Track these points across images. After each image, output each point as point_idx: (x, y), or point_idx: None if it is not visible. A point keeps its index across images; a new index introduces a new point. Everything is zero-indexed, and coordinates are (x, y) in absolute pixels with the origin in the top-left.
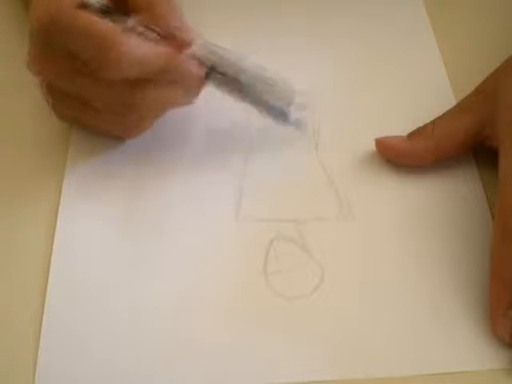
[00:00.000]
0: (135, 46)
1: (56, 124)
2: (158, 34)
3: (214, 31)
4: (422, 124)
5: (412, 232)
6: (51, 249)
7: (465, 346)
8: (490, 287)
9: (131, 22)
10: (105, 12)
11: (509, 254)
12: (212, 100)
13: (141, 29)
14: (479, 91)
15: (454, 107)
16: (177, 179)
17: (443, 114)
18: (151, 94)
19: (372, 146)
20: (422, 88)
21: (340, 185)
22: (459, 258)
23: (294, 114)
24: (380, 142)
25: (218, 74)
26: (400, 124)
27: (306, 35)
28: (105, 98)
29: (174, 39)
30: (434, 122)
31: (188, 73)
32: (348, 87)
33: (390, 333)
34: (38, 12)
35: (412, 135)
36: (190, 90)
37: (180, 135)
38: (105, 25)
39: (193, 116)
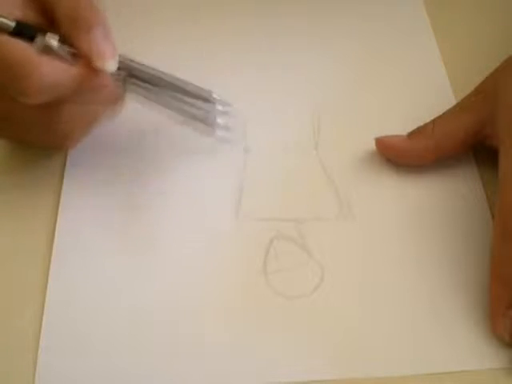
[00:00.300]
0: (48, 71)
1: None
2: (76, 50)
3: (213, 32)
4: (422, 124)
5: (412, 232)
6: (51, 249)
7: (465, 345)
8: (489, 287)
9: (44, 39)
10: (20, 33)
11: (509, 254)
12: None
13: (55, 47)
14: (479, 91)
15: (454, 106)
16: (177, 179)
17: (443, 114)
18: (68, 113)
19: (372, 146)
20: (422, 88)
21: (340, 185)
22: (459, 257)
23: (218, 125)
24: (380, 141)
25: (135, 81)
26: (400, 124)
27: (306, 35)
28: (24, 119)
29: (90, 57)
30: (434, 122)
31: (103, 87)
32: (348, 87)
33: (390, 332)
34: None
35: (412, 134)
36: (110, 101)
37: (180, 135)
38: (16, 49)
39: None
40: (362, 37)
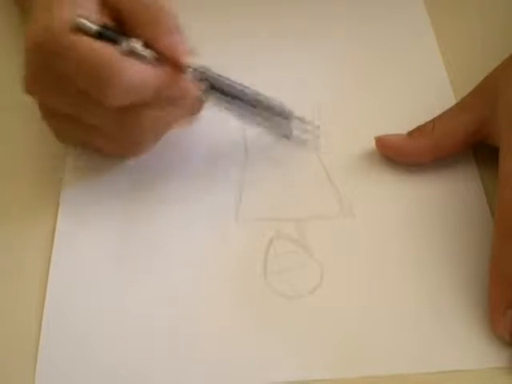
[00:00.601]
0: (134, 72)
1: (51, 144)
2: (157, 53)
3: (213, 32)
4: (422, 123)
5: (412, 231)
6: (51, 249)
7: (465, 344)
8: (489, 286)
9: (129, 43)
10: (103, 36)
11: (509, 253)
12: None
13: (139, 50)
14: (479, 90)
15: (454, 106)
16: (176, 179)
17: (443, 113)
18: (149, 116)
19: (372, 145)
20: (422, 88)
21: (340, 183)
22: (459, 257)
23: (294, 130)
24: (380, 140)
25: (217, 92)
26: (400, 124)
27: (307, 36)
28: (102, 121)
29: (173, 58)
30: (434, 121)
31: (186, 93)
32: (349, 87)
33: (390, 332)
34: (32, 32)
35: (412, 133)
36: (189, 110)
37: (179, 136)
38: (102, 50)
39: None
40: (363, 37)
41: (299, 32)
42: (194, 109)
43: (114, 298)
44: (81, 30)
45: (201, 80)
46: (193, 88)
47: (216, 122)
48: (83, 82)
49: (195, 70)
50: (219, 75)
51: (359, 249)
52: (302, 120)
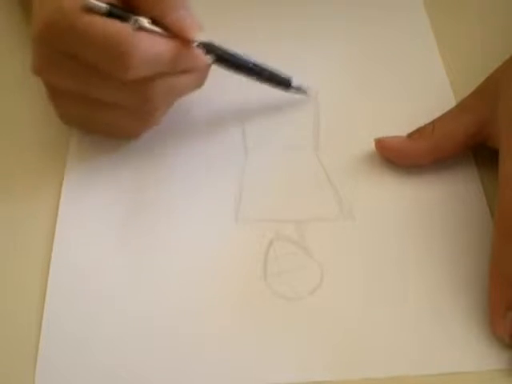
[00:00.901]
0: (148, 46)
1: (55, 127)
2: (165, 29)
3: (213, 33)
4: (421, 125)
5: (412, 232)
6: (51, 249)
7: (465, 346)
8: (489, 287)
9: (139, 20)
10: (111, 14)
11: (509, 254)
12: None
13: (148, 26)
14: (479, 91)
15: (454, 107)
16: (176, 180)
17: (443, 115)
18: (164, 85)
19: (372, 146)
20: (422, 89)
21: (340, 185)
22: (459, 258)
23: (295, 81)
24: (380, 142)
25: (223, 64)
26: (400, 125)
27: (307, 38)
28: (117, 96)
29: (180, 33)
30: (433, 123)
31: (198, 61)
32: (349, 88)
33: (390, 333)
34: (42, 13)
35: (412, 135)
36: (199, 78)
37: (179, 136)
38: (114, 27)
39: (191, 118)
40: (363, 39)
41: (299, 34)
42: (204, 77)
43: (115, 298)
44: (90, 9)
45: (208, 53)
46: (203, 58)
47: (216, 122)
48: (98, 59)
49: (202, 43)
50: (224, 48)
51: (359, 250)
52: (301, 90)
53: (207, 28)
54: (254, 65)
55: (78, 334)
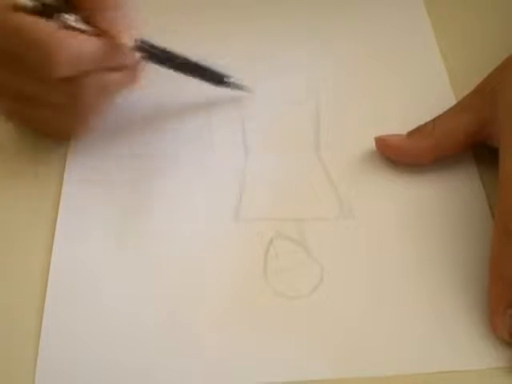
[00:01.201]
0: (72, 44)
1: None
2: (95, 28)
3: (214, 32)
4: (422, 123)
5: (412, 232)
6: (51, 249)
7: (465, 344)
8: (489, 286)
9: (65, 17)
10: (40, 12)
11: (509, 254)
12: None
13: (73, 23)
14: (479, 90)
15: (454, 106)
16: (176, 180)
17: (443, 113)
18: (92, 83)
19: (372, 146)
20: (422, 88)
21: (340, 184)
22: (459, 257)
23: (229, 78)
24: (380, 140)
25: (155, 62)
26: (400, 124)
27: (306, 36)
28: (45, 93)
29: (108, 32)
30: (433, 121)
31: (125, 58)
32: (348, 87)
33: (390, 332)
34: None
35: (412, 134)
36: (130, 77)
37: (179, 135)
38: (39, 25)
39: (192, 118)
40: (362, 38)
41: (298, 32)
42: (136, 74)
43: (115, 298)
44: (20, 7)
45: (138, 50)
46: (131, 57)
47: (216, 122)
48: (26, 57)
49: (135, 40)
50: (156, 46)
51: (359, 249)
52: (236, 85)
53: (209, 28)
54: (185, 60)
55: (78, 333)
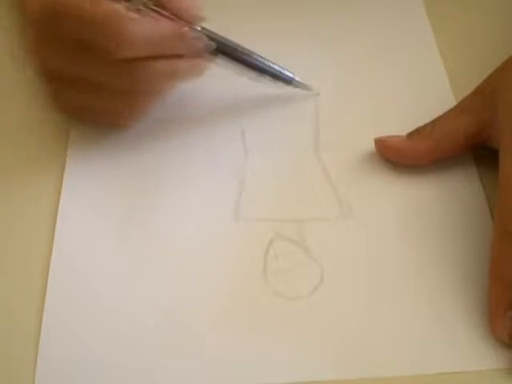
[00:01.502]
0: (143, 26)
1: (54, 124)
2: (161, 15)
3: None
4: (421, 124)
5: (412, 232)
6: (51, 248)
7: (464, 346)
8: (489, 287)
9: (138, 1)
10: None
11: (509, 255)
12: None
13: (147, 7)
14: (479, 91)
15: (454, 107)
16: (176, 179)
17: (443, 114)
18: (156, 67)
19: (372, 146)
20: (421, 88)
21: (340, 185)
22: (459, 258)
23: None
24: (379, 142)
25: (223, 55)
26: (400, 124)
27: (307, 36)
28: (112, 76)
29: (181, 17)
30: (433, 122)
31: (193, 45)
32: (348, 87)
33: (390, 333)
34: (36, 1)
35: (411, 135)
36: (194, 66)
37: (179, 135)
38: (110, 7)
39: (192, 118)
40: (362, 38)
41: (298, 33)
42: (199, 66)
43: (115, 298)
44: None
45: (207, 40)
46: (198, 43)
47: (216, 122)
48: (92, 39)
49: (203, 29)
50: (226, 39)
51: (359, 250)
52: (303, 85)
53: (210, 28)
54: (258, 58)
55: (78, 333)
